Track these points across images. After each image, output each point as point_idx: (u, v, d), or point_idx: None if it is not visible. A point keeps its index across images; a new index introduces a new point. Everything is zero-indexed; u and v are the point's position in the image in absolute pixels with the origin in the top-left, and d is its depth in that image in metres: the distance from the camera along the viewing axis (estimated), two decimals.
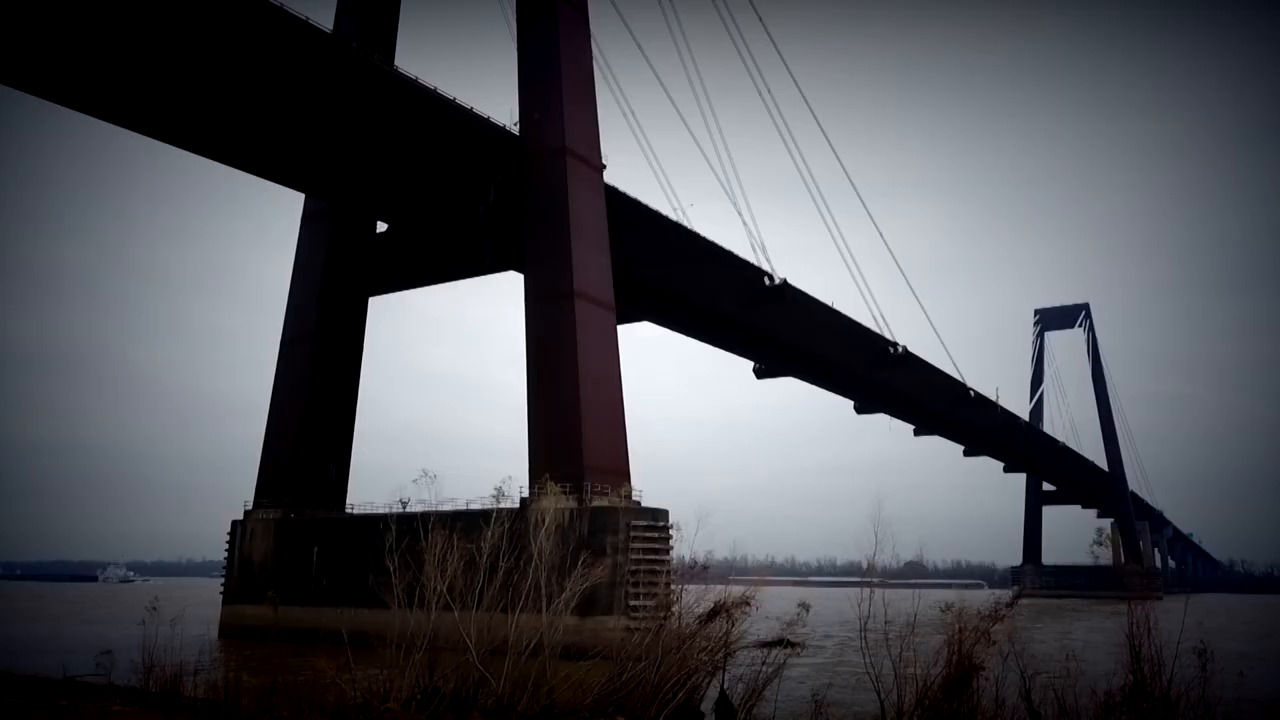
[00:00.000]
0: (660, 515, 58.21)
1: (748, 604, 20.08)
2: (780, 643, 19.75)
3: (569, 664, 21.14)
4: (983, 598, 22.02)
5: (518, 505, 57.68)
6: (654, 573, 54.73)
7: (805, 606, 20.90)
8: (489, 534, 21.04)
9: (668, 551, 57.81)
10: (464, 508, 52.96)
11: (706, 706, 20.84)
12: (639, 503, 59.83)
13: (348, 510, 70.82)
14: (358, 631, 23.12)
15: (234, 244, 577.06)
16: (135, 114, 56.27)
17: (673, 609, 23.06)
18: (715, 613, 19.84)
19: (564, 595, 20.48)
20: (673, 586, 50.64)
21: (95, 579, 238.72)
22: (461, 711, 19.90)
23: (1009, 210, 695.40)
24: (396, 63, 73.61)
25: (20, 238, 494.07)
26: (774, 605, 21.98)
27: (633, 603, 53.24)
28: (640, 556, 54.64)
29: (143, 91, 53.65)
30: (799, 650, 20.21)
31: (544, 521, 21.40)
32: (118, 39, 49.04)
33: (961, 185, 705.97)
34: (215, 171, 65.70)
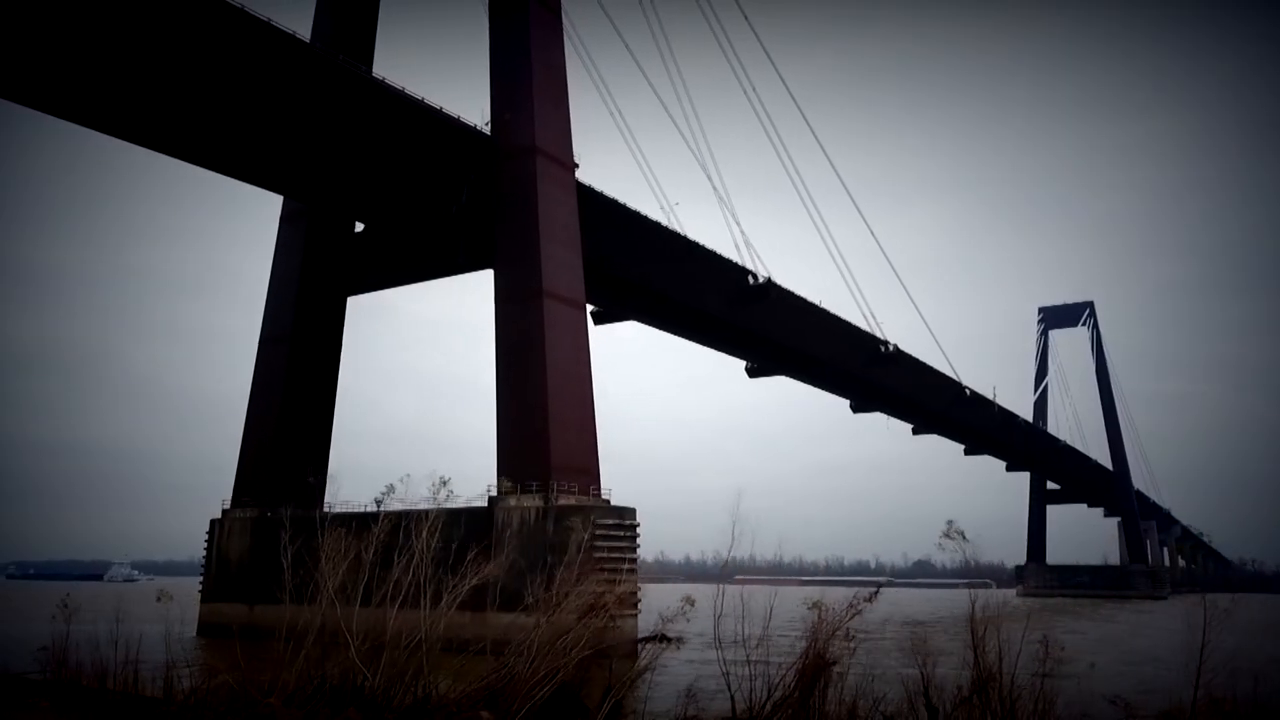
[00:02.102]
0: (627, 514, 58.31)
1: (623, 602, 20.18)
2: (657, 638, 19.84)
3: (453, 658, 21.33)
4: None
5: (486, 504, 58.22)
6: (619, 570, 54.82)
7: (690, 601, 20.96)
8: (376, 532, 21.28)
9: (634, 549, 58.01)
10: (442, 507, 53.18)
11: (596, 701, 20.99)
12: (607, 501, 59.92)
13: (327, 510, 71.14)
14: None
15: (233, 245, 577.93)
16: (112, 119, 56.69)
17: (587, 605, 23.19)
18: (592, 608, 19.94)
19: (448, 595, 20.67)
20: (640, 586, 51.30)
21: (100, 578, 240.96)
22: (340, 706, 20.11)
23: (1010, 210, 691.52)
24: (377, 64, 74.09)
25: (20, 238, 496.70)
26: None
27: None
28: (605, 555, 54.74)
29: (118, 98, 54.08)
30: (678, 646, 20.30)
31: (428, 520, 21.64)
32: (96, 47, 49.55)
33: (961, 185, 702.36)
34: (214, 173, 66.81)
